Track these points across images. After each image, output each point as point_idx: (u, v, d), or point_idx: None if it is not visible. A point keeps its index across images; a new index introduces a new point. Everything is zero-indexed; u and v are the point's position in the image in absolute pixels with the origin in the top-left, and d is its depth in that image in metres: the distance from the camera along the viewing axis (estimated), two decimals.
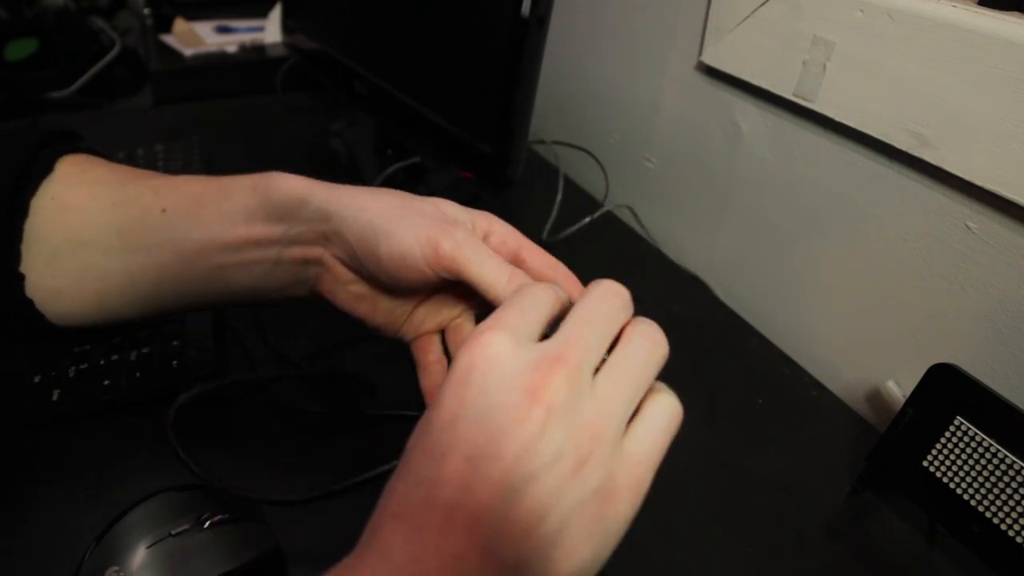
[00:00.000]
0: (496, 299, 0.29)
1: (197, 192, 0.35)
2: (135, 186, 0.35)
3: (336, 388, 0.48)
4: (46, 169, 0.34)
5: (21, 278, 0.33)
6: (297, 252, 0.33)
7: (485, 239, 0.33)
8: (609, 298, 0.27)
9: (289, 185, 0.33)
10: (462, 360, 0.23)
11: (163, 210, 0.34)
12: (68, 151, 0.36)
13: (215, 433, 0.43)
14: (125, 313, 0.36)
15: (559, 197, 0.70)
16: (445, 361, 0.36)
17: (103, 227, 0.34)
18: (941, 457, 0.39)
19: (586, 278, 0.35)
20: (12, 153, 0.34)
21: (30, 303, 0.34)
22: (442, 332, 0.37)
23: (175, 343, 0.47)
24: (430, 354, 0.36)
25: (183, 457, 0.33)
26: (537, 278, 0.31)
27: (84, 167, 0.36)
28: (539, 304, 0.26)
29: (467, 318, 0.37)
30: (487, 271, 0.29)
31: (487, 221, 0.33)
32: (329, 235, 0.33)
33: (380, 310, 0.35)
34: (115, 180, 0.35)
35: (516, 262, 0.32)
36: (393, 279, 0.31)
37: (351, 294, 0.34)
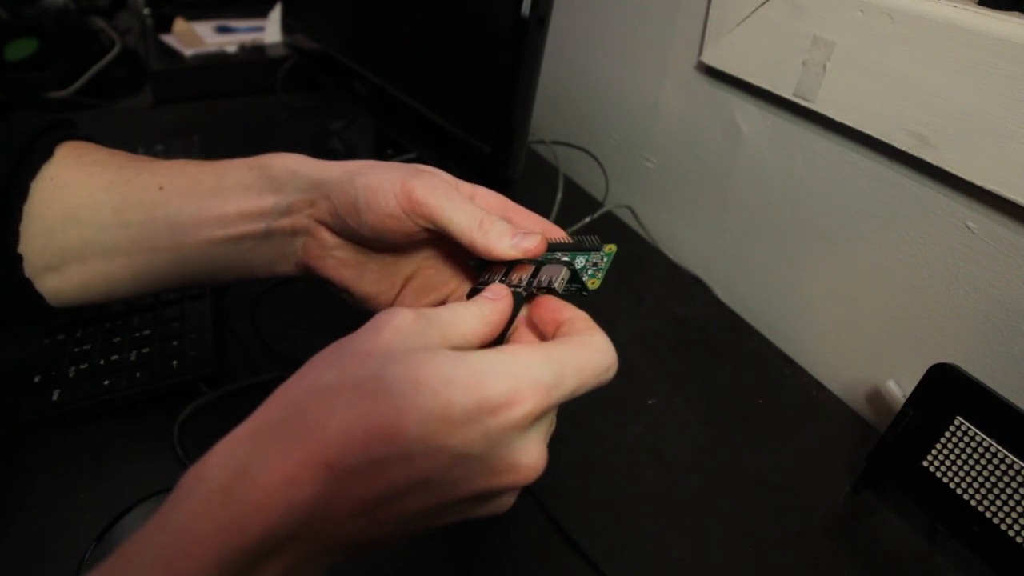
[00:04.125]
0: (470, 244, 0.30)
1: (194, 171, 0.36)
2: (133, 167, 0.36)
3: None
4: (46, 154, 0.35)
5: (19, 259, 0.34)
6: (286, 223, 0.34)
7: (470, 200, 0.33)
8: (607, 373, 0.26)
9: (283, 159, 0.35)
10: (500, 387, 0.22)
11: (160, 188, 0.35)
12: (67, 138, 0.37)
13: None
14: (119, 290, 0.36)
15: (559, 197, 0.70)
16: None
17: (100, 204, 0.35)
18: (941, 457, 0.39)
19: None
20: (12, 139, 0.35)
21: (28, 283, 0.34)
22: None
23: (175, 343, 0.47)
24: None
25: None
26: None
27: (83, 151, 0.37)
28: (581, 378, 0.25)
29: (459, 297, 0.37)
30: (459, 215, 0.30)
31: (472, 187, 0.34)
32: (315, 200, 0.34)
33: (367, 279, 0.35)
34: (113, 162, 0.36)
35: None
36: (373, 231, 0.32)
37: (337, 260, 0.35)
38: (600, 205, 0.74)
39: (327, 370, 0.23)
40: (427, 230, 0.32)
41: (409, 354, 0.23)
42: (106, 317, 0.49)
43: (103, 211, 0.35)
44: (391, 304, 0.37)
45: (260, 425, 0.22)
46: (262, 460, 0.21)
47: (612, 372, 0.26)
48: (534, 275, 0.32)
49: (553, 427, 0.26)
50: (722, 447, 0.46)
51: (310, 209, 0.34)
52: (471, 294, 0.34)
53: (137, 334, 0.48)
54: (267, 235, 0.35)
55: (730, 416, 0.49)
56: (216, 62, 0.94)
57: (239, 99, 0.93)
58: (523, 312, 0.32)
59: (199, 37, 0.98)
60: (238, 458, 0.21)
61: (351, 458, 0.20)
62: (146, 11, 1.06)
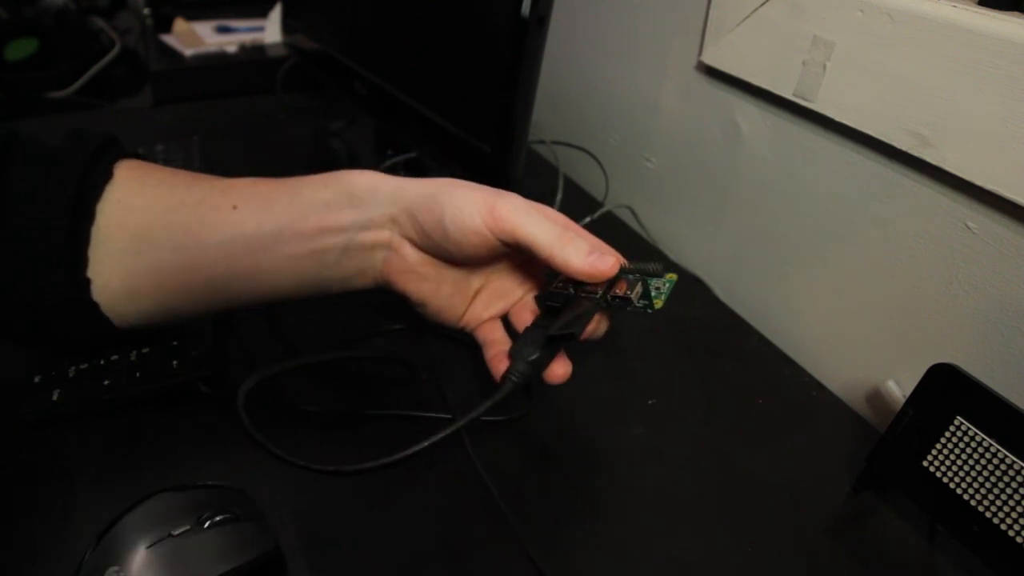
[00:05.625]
0: (550, 256, 0.33)
1: (267, 191, 0.36)
2: (200, 187, 0.36)
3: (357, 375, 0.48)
4: (107, 175, 0.35)
5: (87, 282, 0.34)
6: (367, 237, 0.35)
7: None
8: None
9: (360, 176, 0.36)
10: None
11: (234, 207, 0.35)
12: (121, 156, 0.37)
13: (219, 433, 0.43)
14: (188, 311, 0.37)
15: (559, 197, 0.70)
16: (508, 340, 0.40)
17: (172, 225, 0.35)
18: (941, 457, 0.39)
19: None
20: (71, 161, 0.34)
21: (95, 306, 0.34)
22: (503, 317, 0.41)
23: (175, 343, 0.47)
24: (494, 333, 0.40)
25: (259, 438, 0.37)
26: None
27: (144, 171, 0.37)
28: None
29: (528, 300, 0.41)
30: (540, 229, 0.33)
31: (542, 206, 0.36)
32: (397, 217, 0.35)
33: (443, 292, 0.37)
34: (179, 183, 0.36)
35: None
36: (457, 246, 0.34)
37: (418, 275, 0.36)
38: (600, 205, 0.74)
39: None
40: (507, 244, 0.34)
41: None
42: None
43: (175, 232, 0.35)
44: (462, 315, 0.39)
45: None
46: None
47: None
48: (610, 285, 0.36)
49: None
50: (722, 447, 0.46)
51: (392, 226, 0.35)
52: (539, 299, 0.39)
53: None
54: (346, 250, 0.35)
55: (730, 416, 0.49)
56: (216, 62, 0.94)
57: (239, 99, 0.93)
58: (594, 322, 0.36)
59: (199, 37, 0.98)
60: None
61: None
62: (146, 11, 1.06)
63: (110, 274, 0.34)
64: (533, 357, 0.37)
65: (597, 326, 0.38)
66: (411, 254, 0.36)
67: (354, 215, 0.35)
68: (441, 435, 0.37)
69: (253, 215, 0.35)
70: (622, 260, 0.36)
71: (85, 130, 0.37)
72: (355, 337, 0.51)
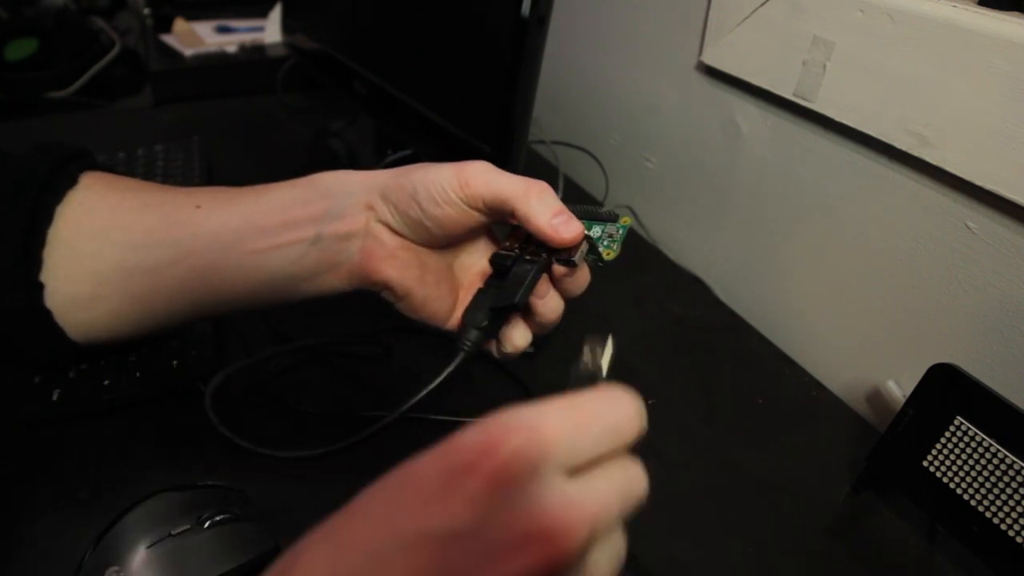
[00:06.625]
0: (515, 209, 0.32)
1: (232, 192, 0.35)
2: (167, 192, 0.36)
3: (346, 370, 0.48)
4: (71, 181, 0.34)
5: (40, 287, 0.32)
6: (339, 227, 0.34)
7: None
8: (617, 412, 0.22)
9: (331, 173, 0.35)
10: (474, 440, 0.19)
11: (197, 206, 0.34)
12: (90, 167, 0.36)
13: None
14: (149, 321, 0.35)
15: (559, 197, 0.70)
16: None
17: (132, 226, 0.34)
18: (941, 457, 0.39)
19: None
20: (35, 167, 0.34)
21: (48, 314, 0.33)
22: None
23: (175, 343, 0.47)
24: None
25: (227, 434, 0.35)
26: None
27: (110, 179, 0.36)
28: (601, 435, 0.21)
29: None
30: (509, 183, 0.32)
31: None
32: (372, 203, 0.34)
33: (427, 281, 0.35)
34: (145, 188, 0.36)
35: None
36: (435, 220, 0.33)
37: (399, 261, 0.34)
38: (600, 205, 0.74)
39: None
40: (480, 211, 0.33)
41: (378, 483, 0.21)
42: None
43: (135, 232, 0.34)
44: (450, 311, 0.37)
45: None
46: None
47: (624, 412, 0.22)
48: (551, 248, 0.33)
49: (601, 498, 0.20)
50: (722, 447, 0.46)
51: (367, 212, 0.34)
52: (493, 259, 0.35)
53: None
54: (316, 241, 0.34)
55: (730, 416, 0.49)
56: (216, 62, 0.94)
57: (239, 99, 0.93)
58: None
59: (199, 37, 0.98)
60: None
61: None
62: (146, 11, 1.06)
63: (64, 277, 0.33)
64: (485, 323, 0.34)
65: (555, 287, 0.35)
66: (390, 239, 0.34)
67: (324, 205, 0.34)
68: (397, 413, 0.35)
69: (216, 213, 0.34)
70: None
71: (58, 143, 0.36)
72: (356, 337, 0.51)
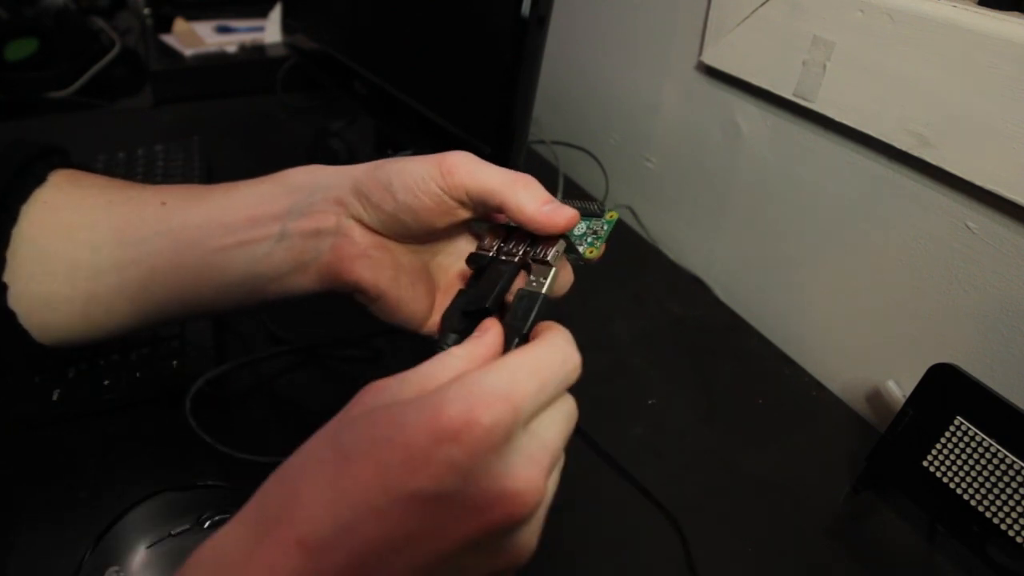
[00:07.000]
0: (503, 201, 0.30)
1: (200, 188, 0.34)
2: (135, 189, 0.35)
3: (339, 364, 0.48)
4: (39, 179, 0.33)
5: (4, 288, 0.32)
6: (306, 224, 0.32)
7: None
8: (566, 366, 0.25)
9: (303, 169, 0.34)
10: (456, 407, 0.21)
11: (163, 203, 0.33)
12: (61, 165, 0.35)
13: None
14: (113, 322, 0.34)
15: (559, 197, 0.70)
16: None
17: (97, 224, 0.33)
18: (941, 457, 0.39)
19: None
20: (2, 164, 0.33)
21: (12, 315, 0.32)
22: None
23: (175, 343, 0.47)
24: None
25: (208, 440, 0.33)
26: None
27: (79, 176, 0.35)
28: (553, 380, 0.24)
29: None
30: (493, 173, 0.31)
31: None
32: (343, 198, 0.32)
33: (402, 282, 0.33)
34: (111, 185, 0.35)
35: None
36: (411, 213, 0.31)
37: (371, 260, 0.33)
38: (595, 200, 0.74)
39: (297, 455, 0.23)
40: (462, 202, 0.31)
41: (367, 415, 0.22)
42: None
43: (100, 230, 0.33)
44: (427, 314, 0.35)
45: (242, 518, 0.22)
46: (243, 553, 0.21)
47: (572, 364, 0.25)
48: (532, 243, 0.32)
49: (551, 446, 0.24)
50: (722, 447, 0.46)
51: (338, 207, 0.33)
52: (470, 259, 0.34)
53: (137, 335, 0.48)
54: (282, 237, 0.33)
55: (730, 416, 0.49)
56: (216, 62, 0.94)
57: (239, 99, 0.93)
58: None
59: (199, 37, 0.98)
60: (224, 553, 0.21)
61: (320, 529, 0.20)
62: (146, 11, 1.06)
63: (30, 277, 0.32)
64: (463, 326, 0.32)
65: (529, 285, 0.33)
66: (362, 237, 0.33)
67: (289, 201, 0.33)
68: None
69: (180, 210, 0.33)
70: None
71: (28, 140, 0.35)
72: (357, 337, 0.51)
